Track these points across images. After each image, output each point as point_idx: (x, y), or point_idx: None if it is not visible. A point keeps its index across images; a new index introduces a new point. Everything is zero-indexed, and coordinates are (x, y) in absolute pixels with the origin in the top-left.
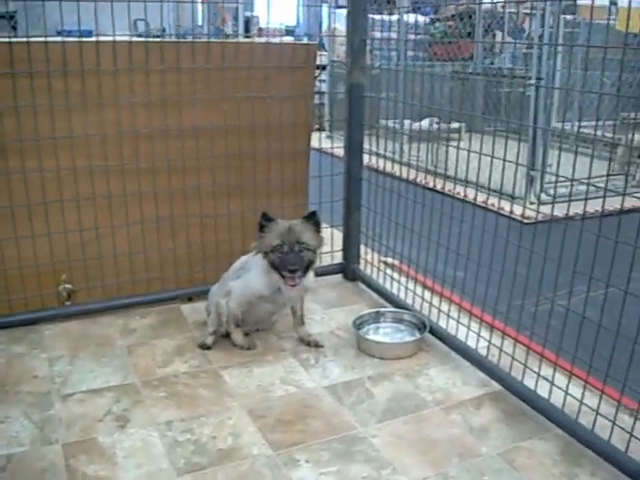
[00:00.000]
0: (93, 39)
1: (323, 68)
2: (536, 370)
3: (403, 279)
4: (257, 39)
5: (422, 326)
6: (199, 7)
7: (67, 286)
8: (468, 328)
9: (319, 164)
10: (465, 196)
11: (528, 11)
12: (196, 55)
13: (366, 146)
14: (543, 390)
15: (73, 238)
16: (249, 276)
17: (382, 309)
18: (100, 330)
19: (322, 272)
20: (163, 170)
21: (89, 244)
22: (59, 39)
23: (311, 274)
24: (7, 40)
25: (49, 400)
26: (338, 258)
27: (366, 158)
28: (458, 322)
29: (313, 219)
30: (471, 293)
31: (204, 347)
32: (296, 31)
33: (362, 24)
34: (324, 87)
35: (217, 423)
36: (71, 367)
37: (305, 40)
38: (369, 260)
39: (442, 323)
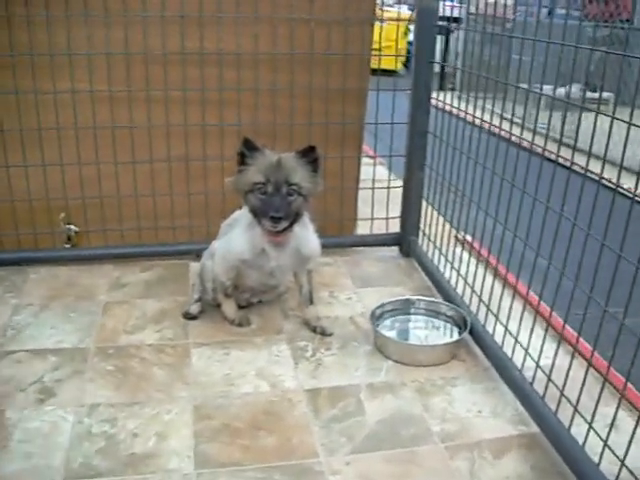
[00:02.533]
0: None
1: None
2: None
3: (465, 261)
4: None
5: (463, 325)
6: None
7: (72, 227)
8: (515, 339)
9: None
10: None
11: None
12: None
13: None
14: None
15: (71, 173)
16: (231, 234)
17: (414, 296)
18: (88, 280)
19: (374, 242)
20: (178, 101)
21: (90, 182)
22: None
23: (312, 241)
24: None
25: None
26: (396, 227)
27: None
28: (506, 328)
29: (311, 155)
30: (550, 289)
31: (188, 316)
32: None
33: None
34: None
35: (150, 416)
36: (33, 319)
37: None
38: (434, 232)
39: (491, 326)
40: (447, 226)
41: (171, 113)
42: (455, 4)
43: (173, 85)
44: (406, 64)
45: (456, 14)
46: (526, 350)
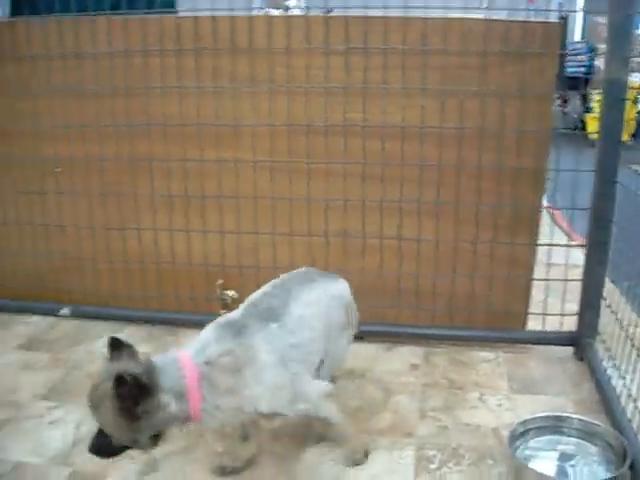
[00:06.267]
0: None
1: None
2: None
3: None
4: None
5: (622, 455)
6: None
7: (228, 293)
8: None
9: None
10: None
11: None
12: (389, 33)
13: None
14: None
15: (230, 240)
16: None
17: (565, 413)
18: None
19: (544, 340)
20: (338, 174)
21: (248, 250)
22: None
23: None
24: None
25: None
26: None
27: None
28: None
29: (121, 388)
30: None
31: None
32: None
33: None
34: None
35: None
36: None
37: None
38: (616, 335)
39: None
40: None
41: (331, 186)
42: None
43: (334, 157)
44: (635, 134)
45: None
46: None
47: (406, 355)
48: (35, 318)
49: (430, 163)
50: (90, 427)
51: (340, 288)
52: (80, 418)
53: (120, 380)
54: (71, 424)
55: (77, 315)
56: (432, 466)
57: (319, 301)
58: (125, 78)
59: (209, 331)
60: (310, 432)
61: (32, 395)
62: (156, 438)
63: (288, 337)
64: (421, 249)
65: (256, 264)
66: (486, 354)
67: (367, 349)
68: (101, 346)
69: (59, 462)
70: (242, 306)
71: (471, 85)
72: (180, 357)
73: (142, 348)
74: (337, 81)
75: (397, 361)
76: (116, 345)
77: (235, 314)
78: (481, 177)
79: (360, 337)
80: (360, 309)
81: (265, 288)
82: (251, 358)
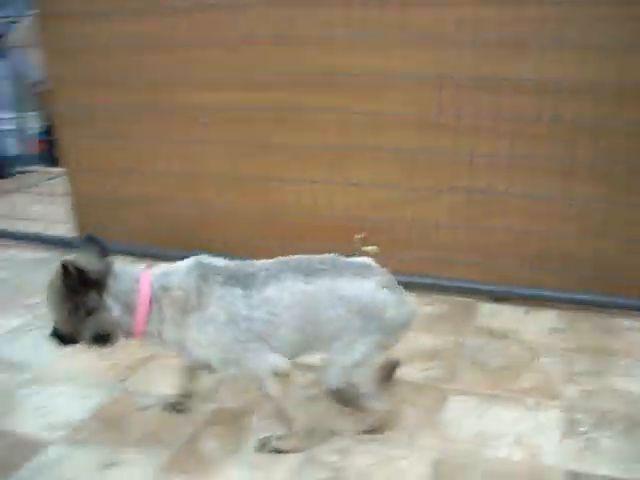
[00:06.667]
0: None
1: None
2: None
3: None
4: None
5: None
6: None
7: (369, 248)
8: None
9: None
10: None
11: None
12: None
13: None
14: None
15: (373, 194)
16: None
17: None
18: None
19: None
20: (487, 130)
21: (392, 205)
22: None
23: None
24: None
25: None
26: None
27: None
28: None
29: (65, 276)
30: None
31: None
32: None
33: None
34: None
35: (384, 458)
36: None
37: None
38: None
39: None
40: None
41: (479, 141)
42: None
43: (483, 113)
44: None
45: None
46: None
47: (548, 319)
48: None
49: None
50: None
51: (359, 290)
52: None
53: (64, 268)
54: None
55: None
56: (581, 429)
57: (305, 294)
58: (277, 28)
59: (187, 262)
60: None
61: None
62: (103, 340)
63: (244, 308)
64: (569, 211)
65: (399, 219)
66: (631, 322)
67: (508, 311)
68: None
69: (203, 398)
70: (239, 262)
71: None
72: (142, 274)
73: None
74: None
75: (539, 324)
76: (91, 241)
77: (224, 261)
78: None
79: (498, 299)
80: (499, 270)
81: (276, 259)
82: (202, 305)
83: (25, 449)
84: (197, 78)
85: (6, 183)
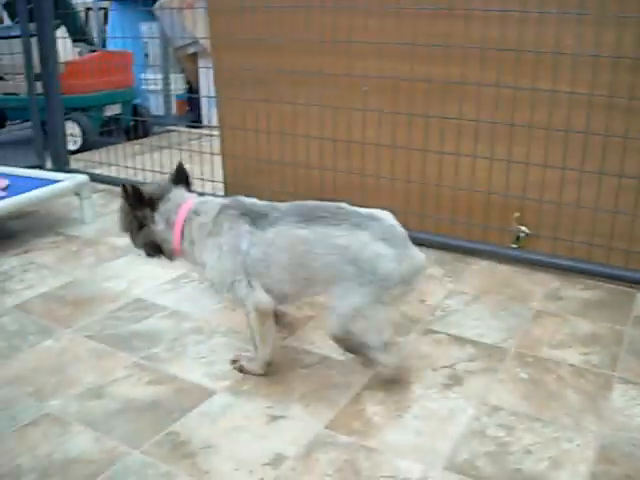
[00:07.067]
0: None
1: None
2: None
3: None
4: None
5: None
6: None
7: (522, 228)
8: None
9: None
10: None
11: None
12: None
13: None
14: None
15: (534, 174)
16: None
17: None
18: (525, 284)
19: None
20: None
21: (551, 186)
22: None
23: None
24: None
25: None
26: None
27: None
28: None
29: (124, 193)
30: None
31: None
32: None
33: None
34: None
35: (549, 438)
36: (462, 307)
37: None
38: None
39: None
40: None
41: None
42: None
43: None
44: None
45: None
46: None
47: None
48: None
49: None
50: (389, 335)
51: (351, 240)
52: None
53: (123, 188)
54: None
55: None
56: None
57: (297, 239)
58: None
59: (227, 197)
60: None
61: None
62: (154, 250)
63: (245, 243)
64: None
65: (557, 200)
66: None
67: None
68: None
69: (365, 364)
70: (267, 203)
71: None
72: (187, 200)
73: (430, 271)
74: None
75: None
76: (180, 171)
77: (255, 201)
78: None
79: None
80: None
81: (293, 203)
82: (216, 233)
83: (192, 395)
84: (360, 45)
85: (153, 141)
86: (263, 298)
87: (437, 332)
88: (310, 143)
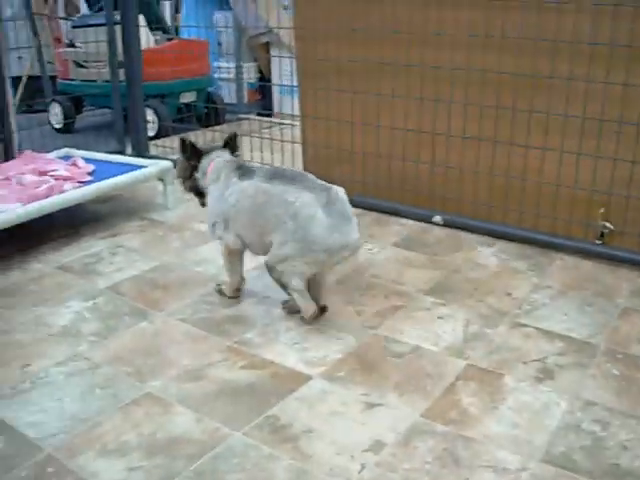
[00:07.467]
0: None
1: None
2: None
3: None
4: None
5: None
6: None
7: (607, 224)
8: None
9: None
10: None
11: None
12: None
13: None
14: None
15: (621, 170)
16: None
17: None
18: (611, 280)
19: None
20: None
21: (638, 183)
22: None
23: None
24: None
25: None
26: None
27: None
28: None
29: (182, 145)
30: None
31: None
32: None
33: None
34: None
35: None
36: (549, 301)
37: None
38: None
39: None
40: None
41: None
42: None
43: None
44: None
45: None
46: None
47: None
48: (408, 221)
49: None
50: (478, 327)
51: (296, 198)
52: (468, 317)
53: (182, 140)
54: (460, 322)
55: (449, 224)
56: None
57: (258, 191)
58: None
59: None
60: None
61: (417, 289)
62: (197, 194)
63: (228, 192)
64: None
65: None
66: None
67: None
68: (478, 256)
69: (454, 353)
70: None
71: None
72: (215, 158)
73: (514, 264)
74: None
75: None
76: (232, 139)
77: (261, 166)
78: None
79: None
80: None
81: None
82: (217, 181)
83: (289, 380)
84: (440, 37)
85: (226, 128)
86: (231, 240)
87: (526, 325)
88: (394, 134)
